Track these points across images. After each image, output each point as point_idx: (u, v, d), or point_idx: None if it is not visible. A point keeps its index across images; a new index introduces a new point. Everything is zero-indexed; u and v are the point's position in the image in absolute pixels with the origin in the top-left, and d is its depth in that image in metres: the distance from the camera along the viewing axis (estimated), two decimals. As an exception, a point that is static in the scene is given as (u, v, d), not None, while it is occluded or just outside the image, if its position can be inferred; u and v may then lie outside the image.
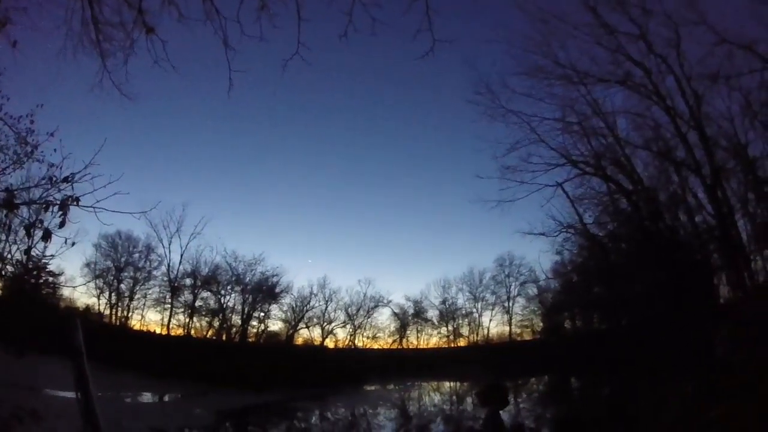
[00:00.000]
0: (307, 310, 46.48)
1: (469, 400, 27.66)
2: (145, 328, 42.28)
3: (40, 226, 5.35)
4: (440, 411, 25.17)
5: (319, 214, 78.12)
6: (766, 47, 17.21)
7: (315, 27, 9.02)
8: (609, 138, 24.55)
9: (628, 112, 23.62)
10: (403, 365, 43.08)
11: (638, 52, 21.22)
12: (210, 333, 41.72)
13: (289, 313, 45.73)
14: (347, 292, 49.74)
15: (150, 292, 43.00)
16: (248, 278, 42.91)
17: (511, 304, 50.65)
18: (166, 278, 41.65)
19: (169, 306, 41.23)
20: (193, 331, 41.20)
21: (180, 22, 9.35)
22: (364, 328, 49.72)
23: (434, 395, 34.11)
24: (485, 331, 51.69)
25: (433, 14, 8.18)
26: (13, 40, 8.43)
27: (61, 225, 5.21)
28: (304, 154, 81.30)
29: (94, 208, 5.49)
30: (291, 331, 45.49)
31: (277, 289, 44.16)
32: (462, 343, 51.72)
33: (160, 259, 42.08)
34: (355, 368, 36.37)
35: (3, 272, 22.12)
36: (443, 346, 52.10)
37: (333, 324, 48.01)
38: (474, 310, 52.21)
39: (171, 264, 41.24)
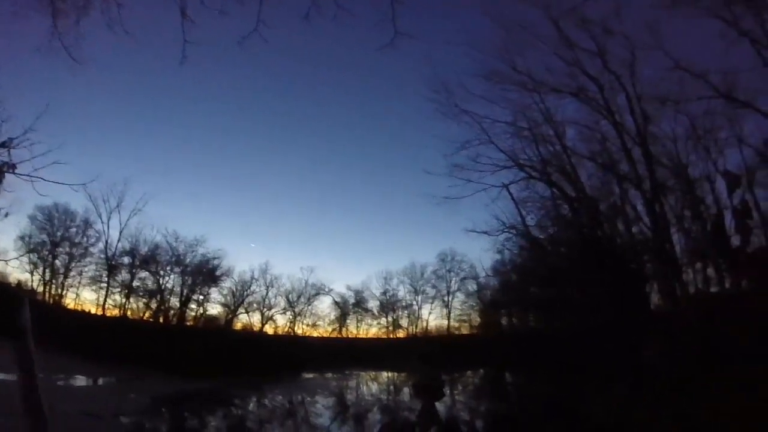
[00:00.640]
0: (247, 295, 45.86)
1: (406, 390, 28.19)
2: (79, 308, 40.27)
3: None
4: (377, 401, 25.40)
5: (264, 198, 76.90)
6: (717, 78, 18.43)
7: (278, 6, 8.88)
8: (557, 146, 25.61)
9: (577, 123, 24.78)
10: (342, 354, 43.31)
11: (594, 67, 22.17)
12: (147, 315, 40.18)
13: (229, 298, 44.93)
14: (289, 278, 49.20)
15: (86, 269, 41.15)
16: (189, 260, 41.65)
17: (450, 299, 52.03)
18: (103, 255, 39.82)
19: (106, 285, 39.33)
20: (129, 313, 39.70)
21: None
22: (305, 316, 49.62)
23: (372, 385, 34.44)
24: (424, 324, 52.87)
25: (397, 5, 8.32)
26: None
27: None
28: (253, 137, 79.59)
29: (30, 176, 5.08)
30: (230, 316, 44.66)
31: (218, 272, 43.18)
32: (401, 334, 52.63)
33: (97, 235, 40.17)
34: (294, 356, 36.21)
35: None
36: (382, 336, 52.81)
37: (273, 310, 47.56)
38: (414, 302, 53.24)
39: (109, 241, 39.47)
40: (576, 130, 25.66)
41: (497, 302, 44.44)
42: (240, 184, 77.77)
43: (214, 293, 44.13)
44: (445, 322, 51.86)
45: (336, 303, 51.58)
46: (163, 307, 40.74)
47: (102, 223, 39.39)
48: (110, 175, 43.64)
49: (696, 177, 22.48)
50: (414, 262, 54.03)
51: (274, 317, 47.70)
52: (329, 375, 36.44)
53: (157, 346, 26.92)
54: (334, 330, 51.71)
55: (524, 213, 26.80)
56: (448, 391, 25.09)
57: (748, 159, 22.13)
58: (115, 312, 39.17)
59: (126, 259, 40.23)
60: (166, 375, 24.05)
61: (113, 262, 39.35)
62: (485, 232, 27.42)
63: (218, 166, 76.62)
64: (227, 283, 44.56)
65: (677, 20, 19.08)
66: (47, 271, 40.11)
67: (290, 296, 48.34)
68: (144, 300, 40.86)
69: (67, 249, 40.61)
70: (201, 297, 43.09)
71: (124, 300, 39.89)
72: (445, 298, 52.14)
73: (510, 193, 26.17)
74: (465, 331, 50.54)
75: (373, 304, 53.53)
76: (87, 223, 40.21)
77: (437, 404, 19.22)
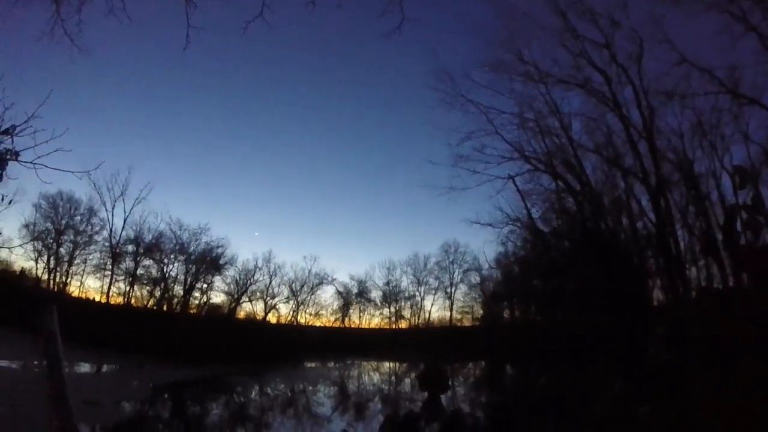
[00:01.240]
0: (250, 284, 46.08)
1: (408, 381, 28.28)
2: (83, 296, 40.64)
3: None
4: (379, 391, 25.52)
5: (268, 187, 77.00)
6: (723, 74, 18.20)
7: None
8: (562, 138, 25.26)
9: (583, 116, 24.39)
10: (344, 344, 43.53)
11: (601, 59, 21.83)
12: (151, 303, 40.33)
13: (232, 286, 45.13)
14: (292, 267, 49.70)
15: (90, 257, 41.33)
16: (192, 248, 41.77)
17: (453, 290, 52.27)
18: (107, 244, 39.93)
19: (110, 273, 39.55)
20: (133, 301, 39.82)
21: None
22: (307, 305, 49.94)
23: (374, 375, 34.64)
24: (426, 315, 53.15)
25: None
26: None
27: (-2, 180, 4.77)
28: (257, 126, 79.32)
29: (34, 164, 5.04)
30: (233, 305, 44.85)
31: (222, 261, 43.38)
32: (403, 325, 52.95)
33: (102, 223, 40.22)
34: (296, 344, 36.30)
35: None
36: (385, 327, 53.09)
37: (276, 299, 47.88)
38: (417, 293, 53.51)
39: (113, 229, 39.46)
40: (582, 123, 25.32)
41: (500, 294, 44.52)
42: (244, 173, 78.03)
43: (218, 282, 44.43)
44: (448, 313, 52.23)
45: (339, 292, 51.93)
46: (166, 295, 40.92)
47: (106, 211, 39.43)
48: (114, 162, 43.41)
49: (701, 172, 22.33)
50: (417, 253, 54.39)
51: (277, 306, 48.17)
52: (331, 364, 36.67)
53: (160, 334, 26.98)
54: (336, 320, 52.06)
55: (529, 205, 26.57)
56: (451, 384, 25.13)
57: (754, 156, 21.92)
58: (119, 300, 39.39)
59: (130, 247, 40.39)
60: (169, 363, 24.13)
61: (117, 250, 39.43)
62: (489, 224, 27.12)
63: (222, 154, 76.71)
64: (231, 272, 44.84)
65: (684, 15, 18.82)
66: (52, 259, 40.17)
67: (293, 285, 48.77)
68: (148, 288, 41.08)
69: (72, 237, 40.71)
70: (204, 285, 43.35)
71: (128, 288, 40.05)
72: (448, 290, 52.47)
73: (515, 185, 25.85)
74: (467, 322, 50.91)
75: (375, 294, 53.88)
76: (91, 211, 40.32)
77: (441, 396, 19.15)
